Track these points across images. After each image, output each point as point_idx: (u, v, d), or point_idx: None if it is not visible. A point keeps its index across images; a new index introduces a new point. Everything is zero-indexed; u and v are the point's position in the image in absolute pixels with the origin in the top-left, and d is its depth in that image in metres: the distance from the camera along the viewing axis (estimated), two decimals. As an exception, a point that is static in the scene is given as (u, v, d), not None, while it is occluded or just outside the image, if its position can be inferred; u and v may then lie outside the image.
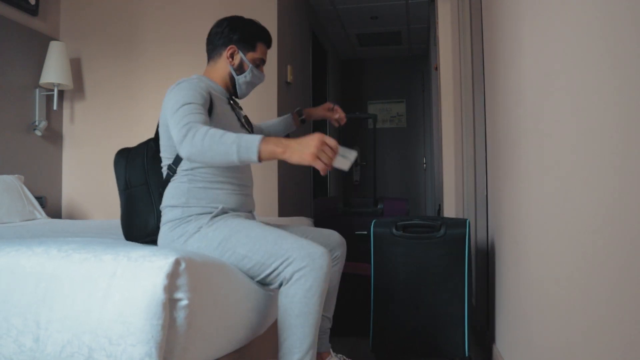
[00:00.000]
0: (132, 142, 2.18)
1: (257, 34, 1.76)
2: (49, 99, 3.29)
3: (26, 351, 1.14)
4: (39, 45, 3.23)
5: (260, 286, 1.54)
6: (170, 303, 1.11)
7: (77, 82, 3.46)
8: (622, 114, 0.75)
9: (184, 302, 1.13)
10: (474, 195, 2.57)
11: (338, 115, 2.01)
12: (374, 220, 2.11)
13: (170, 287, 1.11)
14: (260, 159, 1.35)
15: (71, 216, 3.44)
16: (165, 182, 1.65)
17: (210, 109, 1.60)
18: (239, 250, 1.49)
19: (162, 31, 3.38)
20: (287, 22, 3.58)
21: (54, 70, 3.14)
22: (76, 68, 3.47)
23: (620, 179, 0.76)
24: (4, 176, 2.72)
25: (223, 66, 1.74)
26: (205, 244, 1.52)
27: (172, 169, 1.63)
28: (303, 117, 2.07)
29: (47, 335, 1.13)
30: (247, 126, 1.86)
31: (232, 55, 1.73)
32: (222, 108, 1.67)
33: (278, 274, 1.46)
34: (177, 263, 1.13)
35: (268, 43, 1.80)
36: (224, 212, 1.60)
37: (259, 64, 1.78)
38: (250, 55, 1.74)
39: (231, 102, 1.79)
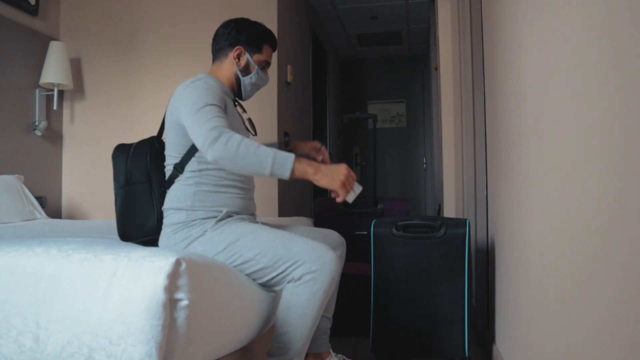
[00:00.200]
0: (132, 142, 2.18)
1: (263, 36, 1.76)
2: (49, 99, 3.29)
3: (26, 351, 1.14)
4: (39, 45, 3.23)
5: (260, 287, 1.54)
6: (170, 303, 1.11)
7: (77, 82, 3.46)
8: (622, 113, 0.75)
9: (185, 303, 1.13)
10: (474, 195, 2.57)
11: (322, 157, 1.92)
12: (374, 220, 2.11)
13: (171, 287, 1.11)
14: (291, 176, 1.44)
15: (71, 216, 3.44)
16: (168, 182, 1.64)
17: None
18: (246, 254, 1.49)
19: (162, 31, 3.38)
20: (287, 22, 3.58)
21: (54, 70, 3.14)
22: (76, 68, 3.47)
23: (621, 179, 0.76)
24: (4, 176, 2.72)
25: (229, 67, 1.74)
26: (211, 247, 1.51)
27: (179, 169, 1.61)
28: (289, 147, 2.00)
29: (47, 335, 1.13)
30: (251, 129, 1.86)
31: (238, 56, 1.73)
32: (231, 109, 1.67)
33: (285, 276, 1.47)
34: (177, 263, 1.13)
35: (274, 46, 1.80)
36: (228, 215, 1.60)
37: (264, 66, 1.78)
38: (257, 57, 1.75)
39: (235, 103, 1.79)
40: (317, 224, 2.92)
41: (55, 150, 3.40)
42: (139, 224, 1.66)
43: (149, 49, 3.40)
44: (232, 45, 1.73)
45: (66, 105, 3.48)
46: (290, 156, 1.44)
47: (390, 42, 5.91)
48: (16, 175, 2.83)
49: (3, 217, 2.52)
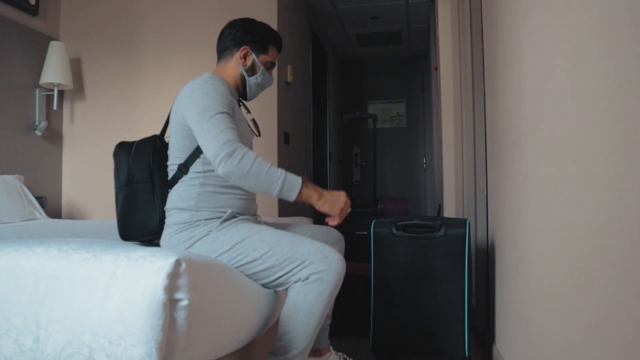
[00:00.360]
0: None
1: (270, 37, 1.76)
2: (49, 99, 3.29)
3: (26, 351, 1.14)
4: (39, 45, 3.23)
5: (261, 287, 1.54)
6: (170, 303, 1.11)
7: (77, 82, 3.46)
8: (622, 113, 0.75)
9: (185, 303, 1.13)
10: (474, 195, 2.57)
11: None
12: (374, 220, 2.11)
13: (171, 287, 1.11)
14: (296, 199, 1.52)
15: (71, 216, 3.44)
16: (172, 182, 1.63)
17: None
18: (252, 254, 1.49)
19: (162, 31, 3.38)
20: (287, 22, 3.58)
21: (54, 70, 3.14)
22: (76, 68, 3.47)
23: (621, 179, 0.76)
24: (4, 176, 2.72)
25: (234, 67, 1.73)
26: (215, 247, 1.51)
27: (183, 170, 1.60)
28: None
29: (47, 335, 1.13)
30: (255, 130, 1.86)
31: (244, 56, 1.72)
32: (237, 111, 1.67)
33: (291, 276, 1.47)
34: (177, 263, 1.13)
35: (279, 47, 1.81)
36: (232, 216, 1.60)
37: (270, 67, 1.78)
38: (263, 57, 1.75)
39: (240, 104, 1.79)
40: (317, 224, 2.92)
41: (55, 150, 3.40)
42: (140, 224, 1.65)
43: (149, 49, 3.40)
44: (238, 45, 1.72)
45: (66, 105, 3.48)
46: (298, 180, 1.52)
47: (390, 42, 5.92)
48: (16, 175, 2.84)
49: (3, 217, 2.52)
